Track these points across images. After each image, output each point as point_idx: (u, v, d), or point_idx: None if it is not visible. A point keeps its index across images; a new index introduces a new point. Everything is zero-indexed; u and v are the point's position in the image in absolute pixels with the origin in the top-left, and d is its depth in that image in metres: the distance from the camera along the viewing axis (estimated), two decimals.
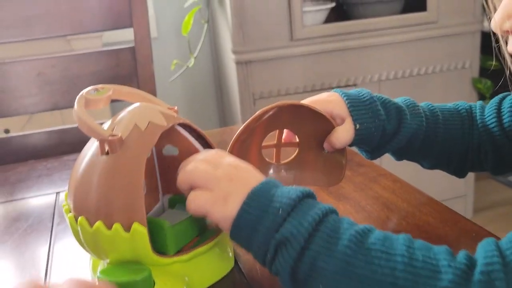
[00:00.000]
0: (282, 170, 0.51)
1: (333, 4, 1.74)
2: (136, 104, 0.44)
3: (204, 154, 0.43)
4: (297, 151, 0.51)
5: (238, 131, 0.48)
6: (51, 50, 1.52)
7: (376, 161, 0.70)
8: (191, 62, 1.74)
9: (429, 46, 1.81)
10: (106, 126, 0.43)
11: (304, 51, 1.69)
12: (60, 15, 0.94)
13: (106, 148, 0.41)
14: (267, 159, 0.51)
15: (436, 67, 1.83)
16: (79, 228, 0.41)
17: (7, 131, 1.62)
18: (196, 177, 0.40)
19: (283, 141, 0.52)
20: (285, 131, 0.52)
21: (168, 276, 0.42)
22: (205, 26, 1.77)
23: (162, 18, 1.91)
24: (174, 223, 0.43)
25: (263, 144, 0.51)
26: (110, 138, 0.40)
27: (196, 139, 0.46)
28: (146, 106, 0.43)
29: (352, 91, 0.54)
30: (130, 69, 0.98)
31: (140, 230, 0.39)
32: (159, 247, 0.41)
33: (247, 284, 0.45)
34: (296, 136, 0.51)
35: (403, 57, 1.80)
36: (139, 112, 0.43)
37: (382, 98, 0.54)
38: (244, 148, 0.49)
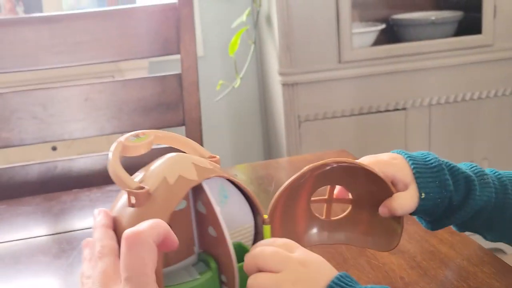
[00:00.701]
0: (332, 227, 0.48)
1: (383, 26, 1.70)
2: (170, 155, 0.41)
3: (273, 240, 0.40)
4: (349, 208, 0.47)
5: (287, 182, 0.45)
6: (98, 69, 1.54)
7: None
8: (237, 82, 1.72)
9: (483, 70, 1.74)
10: (138, 176, 0.42)
11: (352, 74, 1.65)
12: (109, 41, 0.94)
13: (133, 200, 0.39)
14: (316, 214, 0.48)
15: (491, 92, 1.75)
16: None
17: (54, 148, 1.64)
18: (265, 257, 0.38)
19: (335, 196, 0.48)
20: (337, 186, 0.48)
21: None
22: (252, 46, 1.75)
23: (209, 38, 1.91)
24: (170, 284, 0.40)
25: (313, 198, 0.48)
26: (136, 191, 0.39)
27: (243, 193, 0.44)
28: (179, 158, 0.41)
29: (417, 153, 0.50)
30: (176, 96, 0.97)
31: None
32: None
33: None
34: (350, 194, 0.47)
35: (455, 81, 1.74)
36: (169, 164, 0.40)
37: (450, 165, 0.50)
38: (291, 200, 0.46)
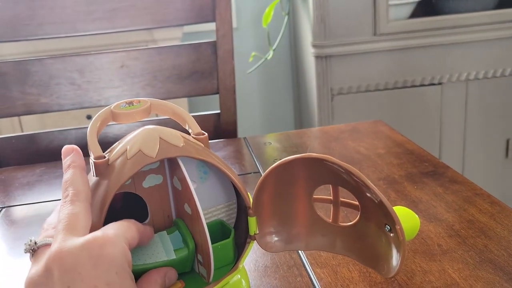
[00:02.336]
0: (339, 234, 0.42)
1: None
2: (144, 128, 0.40)
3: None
4: (358, 216, 0.41)
5: (267, 170, 0.41)
6: (132, 39, 1.55)
7: (473, 176, 0.65)
8: (270, 54, 1.71)
9: None
10: (114, 145, 0.41)
11: (388, 47, 1.62)
12: (144, 8, 0.94)
13: (93, 168, 0.39)
14: (320, 215, 0.43)
15: None
16: None
17: (89, 117, 1.67)
18: None
19: (341, 199, 0.43)
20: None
21: None
22: (286, 18, 1.73)
23: (243, 9, 1.90)
24: (140, 262, 0.39)
25: (315, 196, 0.43)
26: (95, 160, 0.38)
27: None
28: (147, 132, 0.39)
29: None
30: (210, 64, 0.96)
31: None
32: None
33: None
34: (357, 200, 0.41)
35: (494, 55, 1.69)
36: (136, 137, 0.39)
37: None
38: (285, 195, 0.43)
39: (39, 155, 0.93)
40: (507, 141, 1.79)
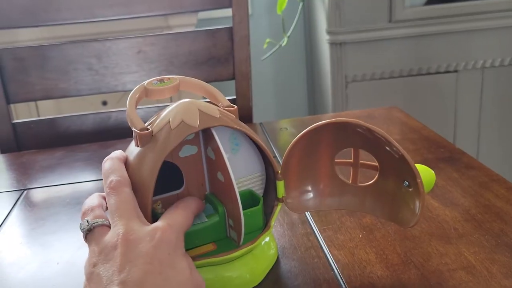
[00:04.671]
0: (357, 194, 0.45)
1: None
2: (182, 101, 0.42)
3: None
4: (376, 176, 0.44)
5: (298, 136, 0.44)
6: (148, 25, 1.55)
7: (487, 163, 0.65)
8: (284, 41, 1.71)
9: None
10: (152, 118, 0.43)
11: (403, 34, 1.61)
12: None
13: (138, 140, 0.41)
14: (341, 177, 0.46)
15: None
16: None
17: (104, 103, 1.68)
18: None
19: (360, 161, 0.45)
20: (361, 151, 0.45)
21: None
22: (300, 4, 1.73)
23: None
24: None
25: (337, 160, 0.46)
26: (140, 132, 0.40)
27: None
28: (186, 105, 0.42)
29: None
30: (226, 50, 0.97)
31: None
32: None
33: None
34: (376, 161, 0.44)
35: (510, 43, 1.67)
36: (177, 110, 0.41)
37: None
38: (309, 157, 0.45)
39: (58, 139, 0.95)
40: None
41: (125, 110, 0.98)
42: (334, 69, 1.64)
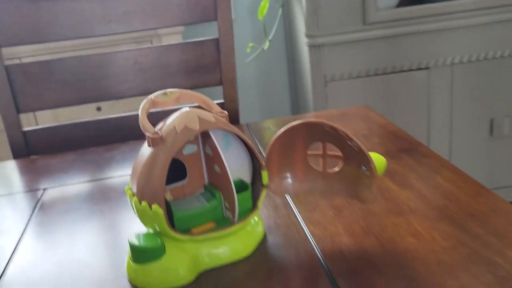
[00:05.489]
0: (327, 179, 0.56)
1: None
2: (184, 109, 0.53)
3: None
4: (341, 164, 0.55)
5: (279, 132, 0.54)
6: (137, 34, 1.65)
7: (460, 154, 0.76)
8: (266, 45, 1.82)
9: (506, 29, 1.79)
10: (160, 125, 0.54)
11: (377, 35, 1.73)
12: (153, 10, 1.05)
13: (150, 142, 0.51)
14: (313, 166, 0.56)
15: None
16: (133, 205, 0.53)
17: (99, 108, 1.78)
18: None
19: (328, 152, 0.56)
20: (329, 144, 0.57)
21: (180, 250, 0.52)
22: (280, 10, 1.83)
23: (240, 2, 2.00)
24: (184, 209, 0.53)
25: (309, 152, 0.56)
26: (152, 135, 0.51)
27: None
28: (187, 113, 0.52)
29: None
30: (213, 59, 1.08)
31: (157, 210, 0.50)
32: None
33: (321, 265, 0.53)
34: (340, 152, 0.55)
35: (477, 40, 1.79)
36: (180, 117, 0.52)
37: None
38: (287, 151, 0.56)
39: (65, 145, 1.05)
40: (491, 121, 1.90)
41: (123, 116, 1.09)
42: (313, 70, 1.75)
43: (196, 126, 0.51)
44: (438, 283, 0.47)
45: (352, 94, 1.79)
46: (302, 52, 1.85)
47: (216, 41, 1.07)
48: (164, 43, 1.08)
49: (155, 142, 0.52)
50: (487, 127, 1.89)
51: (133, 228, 0.64)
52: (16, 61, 0.99)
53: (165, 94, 0.56)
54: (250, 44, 1.86)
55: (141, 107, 0.54)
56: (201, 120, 0.52)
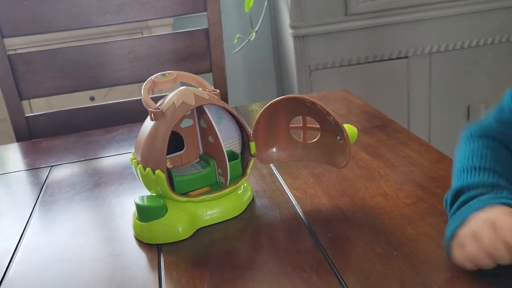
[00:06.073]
0: (307, 148, 0.64)
1: None
2: (181, 88, 0.60)
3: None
4: (319, 134, 0.63)
5: (264, 107, 0.62)
6: (129, 26, 1.71)
7: (439, 138, 0.84)
8: (252, 36, 1.89)
9: (482, 19, 1.86)
10: (160, 101, 0.61)
11: (358, 25, 1.80)
12: (147, 3, 1.12)
13: (152, 116, 0.59)
14: (295, 137, 0.64)
15: (488, 40, 1.88)
16: (138, 172, 0.60)
17: (92, 98, 1.84)
18: None
19: (308, 125, 0.64)
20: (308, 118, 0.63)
21: (180, 210, 0.59)
22: (266, 2, 1.91)
23: None
24: (182, 174, 0.61)
25: (291, 125, 0.64)
26: (154, 110, 0.58)
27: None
28: (185, 90, 0.59)
29: None
30: (203, 48, 1.15)
31: (160, 175, 0.57)
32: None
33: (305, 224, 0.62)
34: (318, 124, 0.62)
35: (454, 30, 1.87)
36: (178, 94, 0.59)
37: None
38: (271, 124, 0.63)
39: (66, 129, 1.12)
40: (468, 107, 1.99)
41: (120, 102, 1.16)
42: (298, 59, 1.83)
43: (192, 102, 0.59)
44: (400, 231, 0.55)
45: (335, 82, 1.87)
46: (287, 43, 1.92)
47: (206, 31, 1.14)
48: (156, 34, 1.15)
49: (156, 116, 0.59)
50: (464, 113, 1.98)
51: (136, 194, 0.72)
52: (11, 53, 1.06)
53: (164, 75, 0.63)
54: (237, 36, 1.93)
55: (143, 87, 0.62)
56: (197, 96, 0.60)
